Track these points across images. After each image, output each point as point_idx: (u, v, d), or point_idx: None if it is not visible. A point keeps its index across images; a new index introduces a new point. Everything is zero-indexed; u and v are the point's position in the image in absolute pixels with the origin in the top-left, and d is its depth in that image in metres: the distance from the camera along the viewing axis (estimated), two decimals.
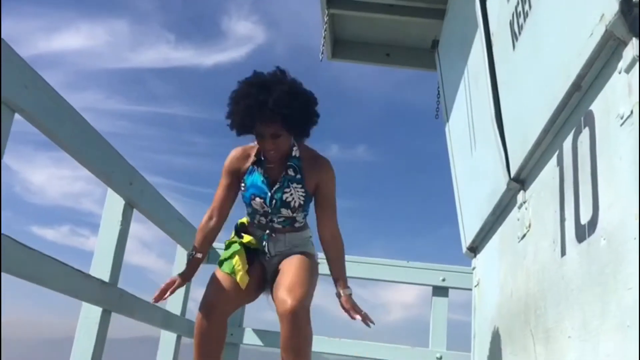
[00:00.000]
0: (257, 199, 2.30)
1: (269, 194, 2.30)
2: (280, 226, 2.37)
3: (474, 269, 3.11)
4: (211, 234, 2.38)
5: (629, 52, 1.21)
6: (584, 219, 1.45)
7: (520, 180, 2.13)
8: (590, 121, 1.46)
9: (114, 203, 2.53)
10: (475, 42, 2.64)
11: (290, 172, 2.30)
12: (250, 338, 3.75)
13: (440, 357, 3.57)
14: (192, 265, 2.34)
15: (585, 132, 1.49)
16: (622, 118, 1.24)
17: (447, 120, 3.48)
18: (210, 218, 2.37)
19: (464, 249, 3.18)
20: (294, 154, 2.32)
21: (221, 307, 2.22)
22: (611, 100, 1.33)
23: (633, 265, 1.14)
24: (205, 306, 2.20)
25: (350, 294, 2.31)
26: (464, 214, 3.19)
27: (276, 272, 2.34)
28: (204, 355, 2.21)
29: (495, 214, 2.52)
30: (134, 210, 2.64)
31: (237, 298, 2.29)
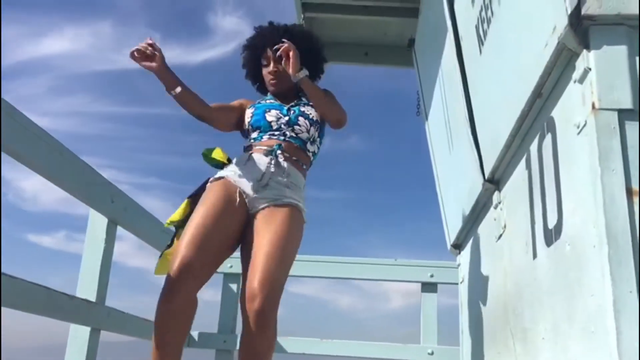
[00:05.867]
0: (273, 111, 2.18)
1: (285, 107, 2.20)
2: (292, 142, 2.14)
3: (459, 265, 3.15)
4: (199, 101, 2.12)
5: (581, 63, 1.24)
6: (551, 223, 1.49)
7: (495, 181, 2.16)
8: (552, 127, 1.49)
9: (97, 222, 2.54)
10: (446, 43, 2.66)
11: (303, 99, 2.25)
12: None
13: (432, 353, 3.60)
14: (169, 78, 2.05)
15: (548, 137, 1.52)
16: (578, 127, 1.27)
17: (427, 119, 3.51)
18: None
19: (449, 246, 3.22)
20: (300, 94, 2.27)
21: (189, 283, 1.84)
22: (569, 108, 1.36)
23: (593, 272, 1.17)
24: (168, 284, 1.82)
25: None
26: (446, 212, 3.22)
27: (255, 218, 2.02)
28: (164, 345, 1.83)
29: (475, 212, 2.56)
30: (118, 226, 2.65)
31: (208, 266, 1.94)
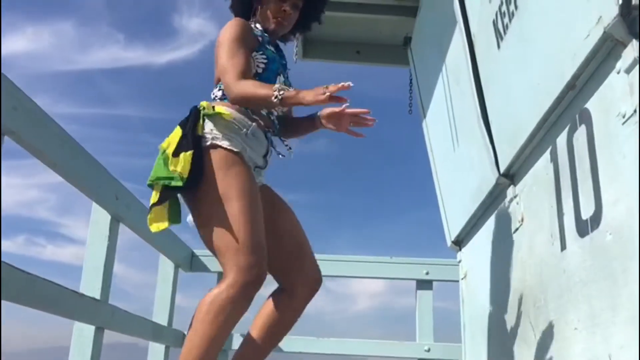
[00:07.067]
0: (281, 76, 2.00)
1: (287, 74, 2.06)
2: (275, 127, 2.04)
3: (459, 262, 3.17)
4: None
5: (630, 53, 1.25)
6: (585, 214, 1.50)
7: (510, 176, 2.17)
8: (586, 119, 1.50)
9: (100, 218, 2.48)
10: (453, 40, 2.67)
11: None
12: (239, 344, 3.73)
13: (429, 350, 3.61)
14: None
15: (582, 129, 1.53)
16: (623, 117, 1.28)
17: (424, 117, 3.52)
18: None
19: (449, 243, 3.23)
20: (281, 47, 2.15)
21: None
22: (609, 99, 1.37)
23: None
24: (255, 277, 1.72)
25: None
26: (447, 209, 3.23)
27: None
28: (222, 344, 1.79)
29: (482, 208, 2.57)
30: (120, 224, 2.59)
31: None
